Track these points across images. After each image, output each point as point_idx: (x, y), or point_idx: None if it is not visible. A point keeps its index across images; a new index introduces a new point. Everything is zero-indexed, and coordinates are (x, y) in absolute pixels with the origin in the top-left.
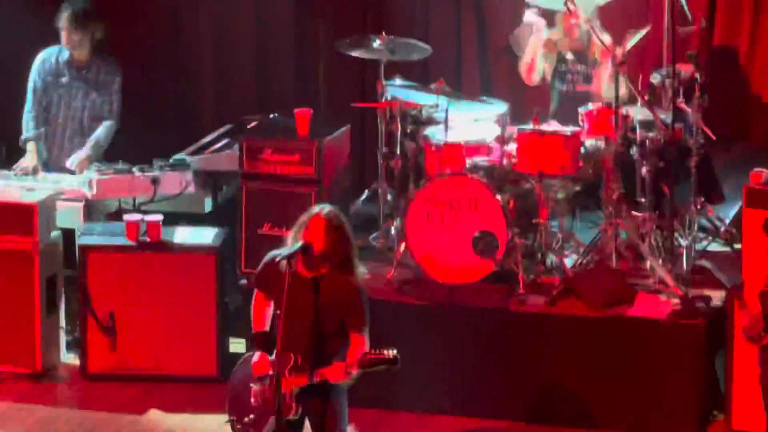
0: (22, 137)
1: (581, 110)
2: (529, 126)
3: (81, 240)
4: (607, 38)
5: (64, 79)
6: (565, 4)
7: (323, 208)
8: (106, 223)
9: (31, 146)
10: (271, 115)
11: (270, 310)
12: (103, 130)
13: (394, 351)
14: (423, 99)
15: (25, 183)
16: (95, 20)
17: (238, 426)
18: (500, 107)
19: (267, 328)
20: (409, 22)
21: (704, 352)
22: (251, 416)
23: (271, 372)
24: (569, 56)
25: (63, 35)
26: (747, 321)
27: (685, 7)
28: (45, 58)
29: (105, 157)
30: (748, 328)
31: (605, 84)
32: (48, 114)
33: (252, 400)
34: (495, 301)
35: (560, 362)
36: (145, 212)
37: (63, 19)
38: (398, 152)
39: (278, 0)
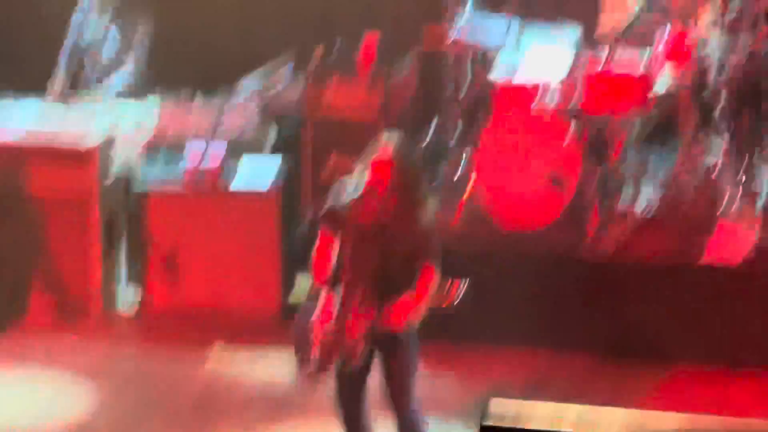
0: None
1: (657, 34)
2: (600, 64)
3: (141, 178)
4: None
5: (92, 26)
6: None
7: (389, 143)
8: (166, 161)
9: None
10: (336, 42)
11: (335, 252)
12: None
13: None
14: (494, 25)
15: (84, 112)
16: None
17: (305, 365)
18: (573, 32)
19: (329, 275)
20: None
21: None
22: (317, 356)
23: (336, 311)
24: None
25: None
26: None
27: None
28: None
29: (165, 84)
30: None
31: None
32: None
33: (316, 337)
34: (565, 247)
35: (635, 303)
36: (207, 143)
37: None
38: (467, 86)
39: None
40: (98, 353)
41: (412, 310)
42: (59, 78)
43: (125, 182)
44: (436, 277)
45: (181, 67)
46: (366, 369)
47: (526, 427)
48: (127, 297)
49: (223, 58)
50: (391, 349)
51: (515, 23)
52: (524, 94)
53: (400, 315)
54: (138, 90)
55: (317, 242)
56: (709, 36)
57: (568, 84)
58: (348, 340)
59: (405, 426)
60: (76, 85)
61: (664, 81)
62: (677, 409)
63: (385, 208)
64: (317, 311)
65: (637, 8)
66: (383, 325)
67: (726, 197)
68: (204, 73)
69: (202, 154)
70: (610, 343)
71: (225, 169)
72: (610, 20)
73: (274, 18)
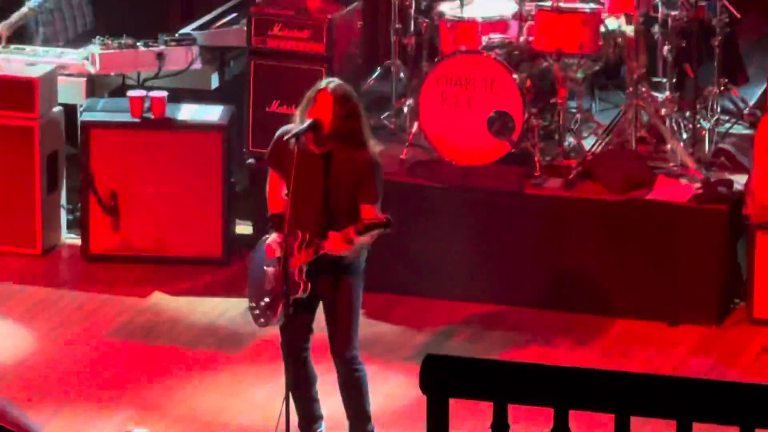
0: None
1: None
2: (548, 2)
3: (83, 116)
4: None
5: None
6: None
7: (330, 83)
8: (109, 99)
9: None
10: None
11: (283, 192)
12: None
13: (387, 215)
14: None
15: (26, 57)
16: None
17: (256, 311)
18: None
19: (283, 209)
20: None
21: (726, 238)
22: (266, 300)
23: (281, 250)
24: None
25: None
26: (752, 208)
27: None
28: None
29: (108, 30)
30: (755, 215)
31: None
32: None
33: (266, 283)
34: (510, 184)
35: (577, 247)
36: (150, 88)
37: None
38: (412, 29)
39: None
40: (36, 297)
41: (342, 246)
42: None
43: (67, 118)
44: (376, 216)
45: (124, 14)
46: (310, 312)
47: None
48: (67, 238)
49: (167, 6)
50: (335, 290)
51: None
52: (470, 32)
53: (336, 244)
54: (79, 37)
55: (268, 182)
56: None
57: (516, 21)
58: (290, 279)
59: (345, 370)
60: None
61: (612, 21)
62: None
63: (326, 141)
64: (266, 256)
65: None
66: (322, 255)
67: (668, 147)
68: (147, 20)
69: (144, 95)
70: (553, 292)
71: (168, 111)
72: None
73: None
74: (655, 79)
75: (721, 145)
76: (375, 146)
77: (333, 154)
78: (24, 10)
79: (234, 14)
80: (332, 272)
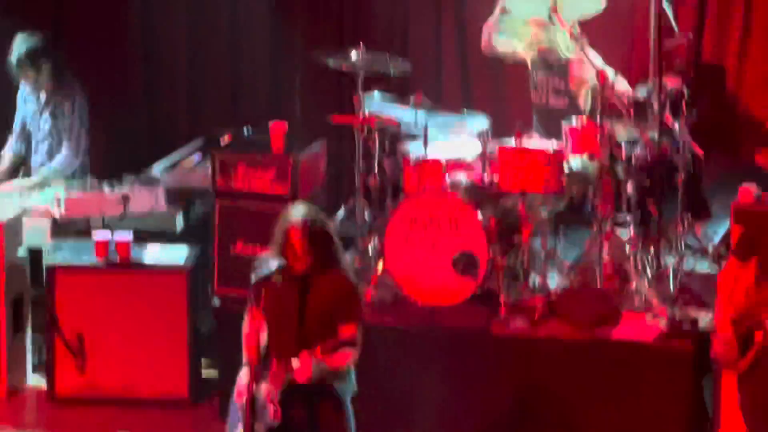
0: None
1: (565, 125)
2: (511, 142)
3: (48, 259)
4: (594, 55)
5: (31, 107)
6: (550, 16)
7: (296, 218)
8: (75, 242)
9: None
10: (245, 129)
11: (264, 332)
12: (54, 164)
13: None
14: (402, 113)
15: None
16: (46, 56)
17: None
18: (481, 122)
19: (259, 354)
20: (388, 33)
21: (691, 376)
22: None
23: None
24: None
25: (19, 73)
26: (720, 347)
27: (672, 20)
28: (22, 86)
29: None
30: (722, 354)
31: (587, 99)
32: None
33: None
34: (477, 324)
35: (544, 385)
36: (115, 230)
37: (13, 61)
38: (376, 169)
39: (253, 11)
40: None
41: (308, 367)
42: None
43: (32, 261)
44: (355, 335)
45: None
46: None
47: None
48: (33, 382)
49: (133, 146)
50: (311, 423)
51: (423, 113)
52: (434, 172)
53: (304, 368)
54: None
55: (246, 320)
56: (617, 128)
57: (480, 161)
58: (264, 400)
59: None
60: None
61: (576, 161)
62: None
63: (302, 267)
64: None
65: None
66: (293, 381)
67: (633, 285)
68: (114, 161)
69: (108, 239)
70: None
71: (134, 253)
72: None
73: (183, 106)
74: (620, 217)
75: (685, 283)
76: (348, 263)
77: (310, 280)
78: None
79: (198, 155)
80: (307, 401)
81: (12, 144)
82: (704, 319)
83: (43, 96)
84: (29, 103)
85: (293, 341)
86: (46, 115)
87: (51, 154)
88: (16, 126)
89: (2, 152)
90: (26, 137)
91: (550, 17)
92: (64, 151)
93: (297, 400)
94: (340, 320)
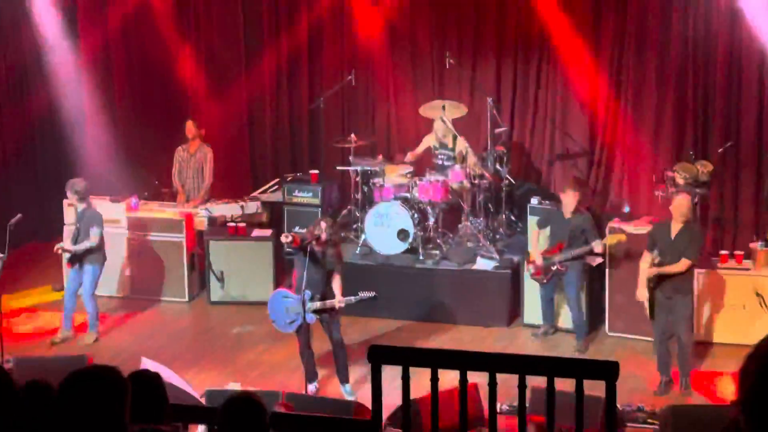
0: None
1: (446, 173)
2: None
3: None
4: (462, 140)
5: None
6: (441, 118)
7: (324, 229)
8: None
9: None
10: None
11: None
12: None
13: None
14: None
15: None
16: None
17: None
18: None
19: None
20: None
21: (510, 287)
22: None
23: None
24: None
25: None
26: (535, 268)
27: (498, 116)
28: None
29: None
30: (535, 272)
31: (462, 160)
32: None
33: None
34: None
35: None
36: None
37: None
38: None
39: None
40: None
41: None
42: None
43: None
44: (341, 281)
45: None
46: (309, 332)
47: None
48: None
49: None
50: (329, 328)
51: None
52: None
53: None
54: None
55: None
56: (474, 168)
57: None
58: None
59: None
60: None
61: (454, 185)
62: None
63: (322, 246)
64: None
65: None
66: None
67: (482, 244)
68: None
69: None
70: None
71: None
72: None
73: None
74: (474, 217)
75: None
76: (341, 250)
77: (324, 250)
78: None
79: None
80: (327, 312)
81: None
82: (520, 256)
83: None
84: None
85: (319, 284)
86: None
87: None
88: None
89: None
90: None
91: (443, 120)
92: None
93: (322, 312)
94: (337, 270)
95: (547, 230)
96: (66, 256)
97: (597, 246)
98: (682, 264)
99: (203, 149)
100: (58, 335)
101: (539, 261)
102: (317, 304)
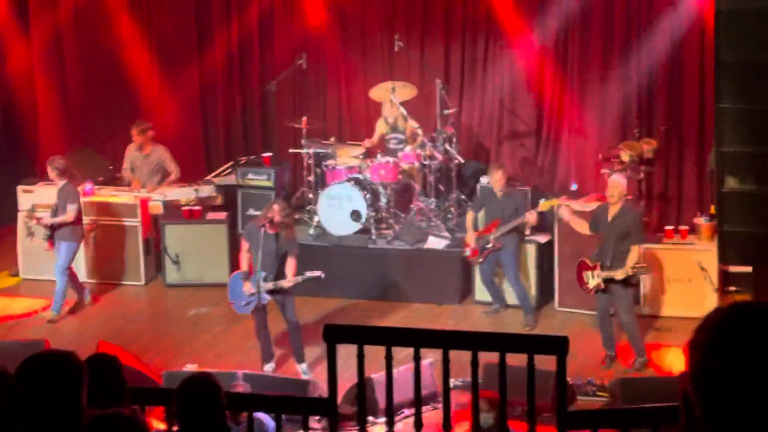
0: None
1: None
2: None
3: None
4: (412, 122)
5: None
6: (390, 100)
7: (275, 209)
8: None
9: None
10: None
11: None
12: None
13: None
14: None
15: None
16: None
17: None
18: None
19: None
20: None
21: (461, 268)
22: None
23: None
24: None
25: None
26: (470, 249)
27: (446, 97)
28: None
29: None
30: (470, 253)
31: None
32: None
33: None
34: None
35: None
36: None
37: None
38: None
39: None
40: None
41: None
42: None
43: None
44: (295, 263)
45: None
46: (264, 313)
47: None
48: None
49: None
50: (284, 309)
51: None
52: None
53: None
54: None
55: (241, 248)
56: (425, 149)
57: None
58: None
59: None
60: None
61: (405, 166)
62: None
63: (275, 229)
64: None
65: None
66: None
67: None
68: None
69: None
70: None
71: None
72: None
73: None
74: (427, 194)
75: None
76: (295, 231)
77: (278, 233)
78: None
79: None
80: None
81: None
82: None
83: None
84: None
85: (273, 266)
86: None
87: None
88: None
89: None
90: None
91: (392, 101)
92: None
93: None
94: (290, 254)
95: (483, 214)
96: (44, 234)
97: (531, 215)
98: (634, 253)
99: (158, 150)
100: (53, 313)
101: (473, 243)
102: (270, 285)
